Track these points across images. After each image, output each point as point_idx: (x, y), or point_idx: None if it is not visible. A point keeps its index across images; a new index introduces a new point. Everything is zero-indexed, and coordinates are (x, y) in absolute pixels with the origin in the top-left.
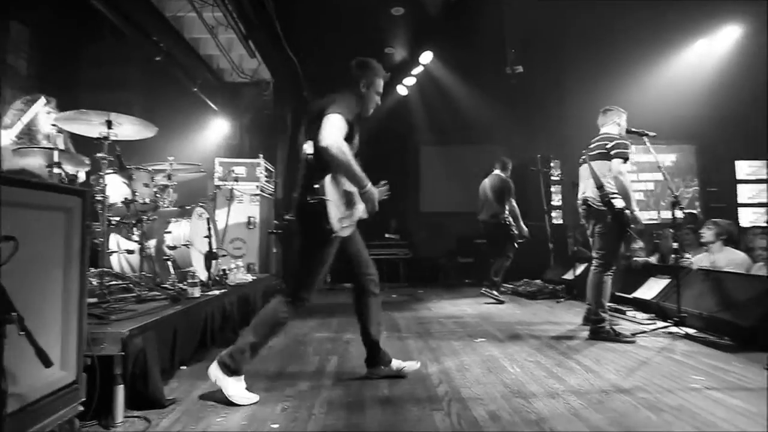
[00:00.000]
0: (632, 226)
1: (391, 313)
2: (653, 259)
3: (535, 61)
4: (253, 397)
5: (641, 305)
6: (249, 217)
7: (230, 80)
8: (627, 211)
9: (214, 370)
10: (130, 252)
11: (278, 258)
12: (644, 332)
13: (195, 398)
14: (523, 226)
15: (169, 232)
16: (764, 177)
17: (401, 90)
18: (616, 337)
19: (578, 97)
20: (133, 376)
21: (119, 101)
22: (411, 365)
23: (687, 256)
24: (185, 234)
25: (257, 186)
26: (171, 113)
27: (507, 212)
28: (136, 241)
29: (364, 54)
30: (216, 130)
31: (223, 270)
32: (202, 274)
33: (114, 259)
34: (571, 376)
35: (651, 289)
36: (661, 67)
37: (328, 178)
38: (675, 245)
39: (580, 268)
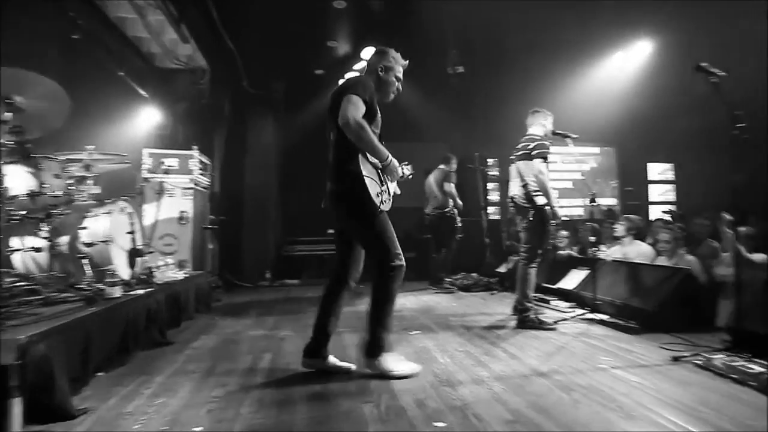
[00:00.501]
0: (552, 221)
1: None
2: (575, 252)
3: (476, 61)
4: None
5: (564, 295)
6: (181, 212)
7: (162, 66)
8: (547, 208)
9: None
10: (37, 250)
11: (215, 254)
12: (565, 319)
13: (111, 406)
14: (459, 201)
15: (85, 228)
16: (671, 178)
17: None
18: (540, 325)
19: (515, 98)
20: (35, 387)
21: None
22: (348, 365)
23: (603, 248)
24: (104, 230)
25: (190, 179)
26: (93, 99)
27: (450, 203)
28: (44, 238)
29: (304, 46)
30: (146, 118)
31: (150, 268)
32: (125, 273)
33: (17, 258)
34: (497, 363)
35: (572, 279)
36: (586, 74)
37: (360, 158)
38: (592, 239)
39: (512, 262)
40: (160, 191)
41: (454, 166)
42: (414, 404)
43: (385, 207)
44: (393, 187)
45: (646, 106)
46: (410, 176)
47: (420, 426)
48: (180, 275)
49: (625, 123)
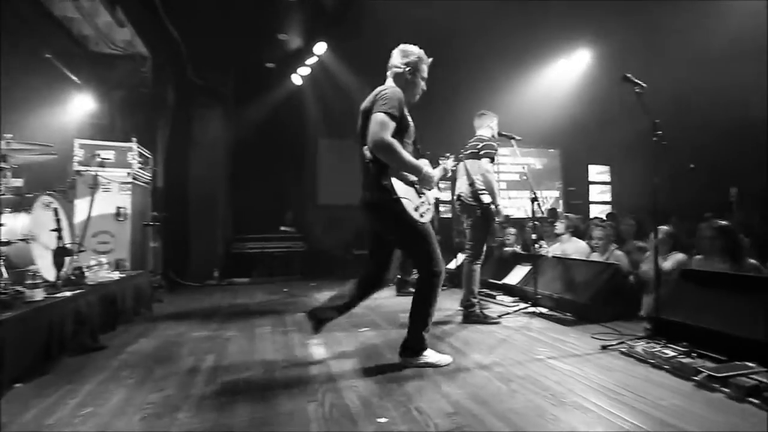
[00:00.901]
0: (496, 219)
1: (280, 306)
2: (519, 249)
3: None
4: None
5: (508, 290)
6: (118, 208)
7: (97, 50)
8: (493, 206)
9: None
10: None
11: (157, 252)
12: (508, 313)
13: (29, 419)
14: None
15: (2, 225)
16: (608, 179)
17: (295, 79)
18: (485, 320)
19: (465, 99)
20: None
21: None
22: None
23: (544, 246)
24: (23, 227)
25: (129, 173)
26: (14, 83)
27: None
28: None
29: (253, 37)
30: (78, 106)
31: (80, 268)
32: (50, 274)
33: None
34: None
35: (516, 275)
36: (532, 79)
37: (390, 175)
38: (534, 236)
39: (461, 258)
40: (93, 185)
41: None
42: (358, 401)
43: (425, 218)
44: (432, 194)
45: (586, 110)
46: (454, 167)
47: (362, 423)
48: (116, 275)
49: (568, 126)
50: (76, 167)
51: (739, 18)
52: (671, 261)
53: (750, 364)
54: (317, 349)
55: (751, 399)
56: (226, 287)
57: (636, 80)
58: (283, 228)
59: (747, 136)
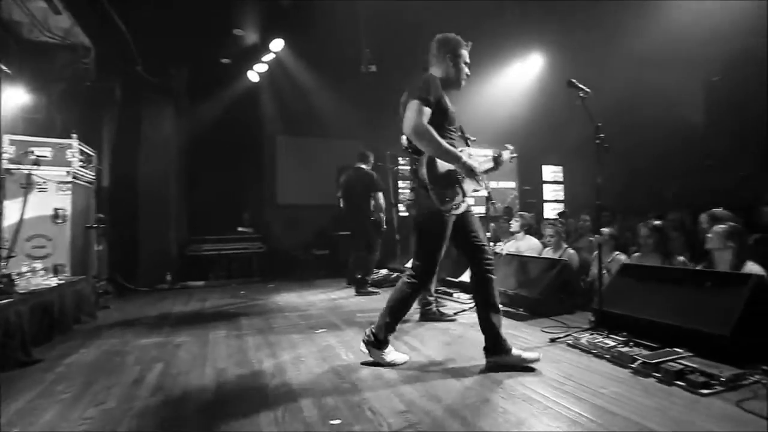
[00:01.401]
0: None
1: (236, 309)
2: None
3: (389, 61)
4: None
5: (466, 287)
6: (56, 209)
7: (32, 38)
8: None
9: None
10: None
11: (102, 256)
12: (464, 310)
13: None
14: (383, 215)
15: None
16: (560, 179)
17: (252, 76)
18: (441, 317)
19: None
20: None
21: None
22: (532, 354)
23: (500, 243)
24: None
25: (68, 171)
26: None
27: (372, 206)
28: None
29: (208, 32)
30: (8, 99)
31: (9, 275)
32: None
33: None
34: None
35: None
36: (489, 80)
37: (424, 163)
38: (488, 234)
39: None
40: (27, 185)
41: (371, 163)
42: (312, 404)
43: (455, 211)
44: (471, 185)
45: (540, 113)
46: (512, 159)
47: (315, 425)
48: (53, 282)
49: (523, 128)
50: (6, 165)
51: (677, 18)
52: (615, 264)
53: (678, 350)
54: (273, 352)
55: (677, 382)
56: (180, 291)
57: (580, 85)
58: (240, 229)
59: (685, 137)
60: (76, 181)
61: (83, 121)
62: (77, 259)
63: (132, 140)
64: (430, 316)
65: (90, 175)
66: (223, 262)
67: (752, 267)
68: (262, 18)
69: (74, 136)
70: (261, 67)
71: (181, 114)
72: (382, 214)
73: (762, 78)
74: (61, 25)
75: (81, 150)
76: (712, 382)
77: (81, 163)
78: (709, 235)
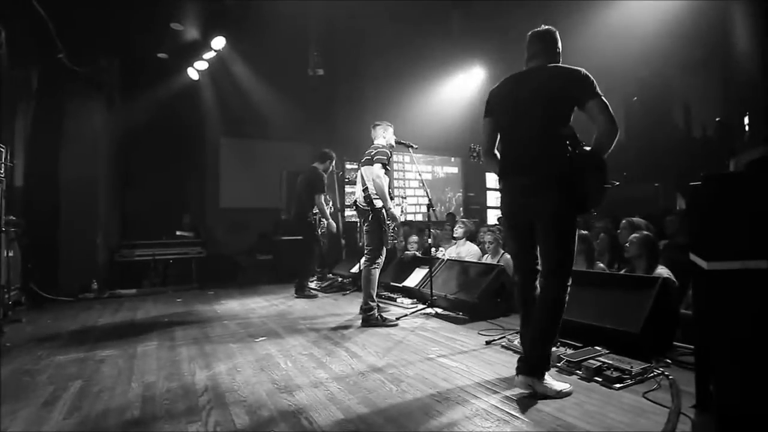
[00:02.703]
0: (388, 222)
1: (170, 319)
2: (419, 253)
3: (337, 65)
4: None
5: (408, 292)
6: None
7: None
8: (384, 210)
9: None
10: None
11: (14, 263)
12: (406, 315)
13: None
14: (332, 222)
15: None
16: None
17: (192, 73)
18: (383, 323)
19: (373, 105)
20: None
21: None
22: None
23: (441, 249)
24: None
25: None
26: None
27: (315, 209)
28: None
29: (144, 21)
30: None
31: None
32: None
33: None
34: (338, 363)
35: (415, 278)
36: (434, 90)
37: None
38: (430, 240)
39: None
40: None
41: (330, 165)
42: (246, 416)
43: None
44: None
45: (482, 122)
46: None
47: None
48: None
49: (468, 137)
50: None
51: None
52: None
53: (598, 348)
54: (207, 363)
55: (596, 378)
56: (108, 300)
57: None
58: (179, 233)
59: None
60: None
61: None
62: None
63: (51, 136)
64: (372, 321)
65: None
66: (158, 268)
67: (661, 270)
68: (203, 14)
69: None
70: (201, 65)
71: (114, 110)
72: (319, 217)
73: (674, 101)
74: None
75: None
76: (624, 376)
77: None
78: (627, 245)
